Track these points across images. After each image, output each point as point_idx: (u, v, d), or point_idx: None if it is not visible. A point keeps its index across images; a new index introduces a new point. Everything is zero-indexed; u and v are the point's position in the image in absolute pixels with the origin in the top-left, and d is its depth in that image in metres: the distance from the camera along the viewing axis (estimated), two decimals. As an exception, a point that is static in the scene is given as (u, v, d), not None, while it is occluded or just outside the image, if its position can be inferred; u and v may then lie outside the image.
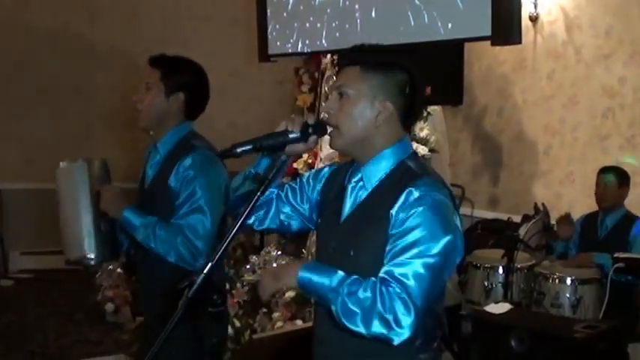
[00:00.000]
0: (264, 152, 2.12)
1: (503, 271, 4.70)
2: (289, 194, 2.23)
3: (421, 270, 1.85)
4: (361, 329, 1.84)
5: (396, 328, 1.81)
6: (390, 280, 1.85)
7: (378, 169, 2.05)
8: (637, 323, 4.37)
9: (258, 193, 1.93)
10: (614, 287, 4.30)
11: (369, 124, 2.03)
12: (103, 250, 2.93)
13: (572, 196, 5.91)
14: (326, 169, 2.27)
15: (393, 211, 1.93)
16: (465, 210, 6.81)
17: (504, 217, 6.14)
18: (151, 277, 2.94)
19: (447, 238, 1.90)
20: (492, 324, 3.79)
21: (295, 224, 2.27)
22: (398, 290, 1.83)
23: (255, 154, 2.08)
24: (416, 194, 1.92)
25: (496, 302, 4.22)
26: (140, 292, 3.17)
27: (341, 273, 1.87)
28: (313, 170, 2.31)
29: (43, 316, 6.53)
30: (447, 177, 6.65)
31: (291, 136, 2.03)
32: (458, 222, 1.99)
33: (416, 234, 1.88)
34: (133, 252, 3.06)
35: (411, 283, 1.84)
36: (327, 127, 2.07)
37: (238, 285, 5.30)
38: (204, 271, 1.82)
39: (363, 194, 2.06)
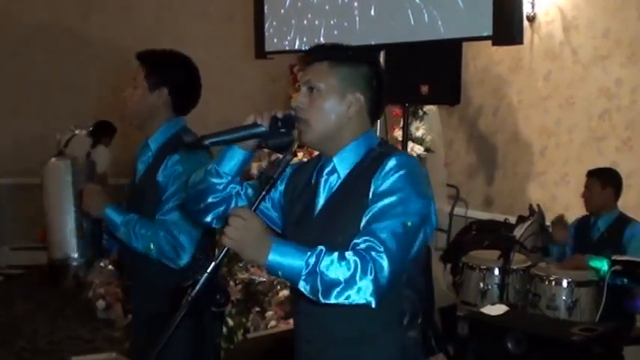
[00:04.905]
0: (231, 145, 2.10)
1: (499, 273, 4.67)
2: (249, 192, 2.19)
3: (399, 229, 1.89)
4: (343, 298, 1.83)
5: (375, 290, 1.82)
6: (369, 238, 1.86)
7: (350, 157, 2.08)
8: (633, 326, 4.36)
9: (264, 192, 1.91)
10: (610, 290, 4.28)
11: (340, 116, 2.06)
12: (85, 250, 2.94)
13: (567, 198, 5.89)
14: (287, 169, 2.22)
15: (373, 181, 1.96)
16: (459, 210, 6.80)
17: (499, 217, 6.13)
18: (139, 277, 2.92)
19: (424, 201, 1.96)
20: (489, 326, 3.77)
21: None
22: (377, 249, 1.84)
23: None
24: (394, 162, 1.96)
25: (492, 304, 4.20)
26: (131, 291, 3.14)
27: (310, 252, 1.83)
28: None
29: (33, 312, 6.51)
30: (443, 177, 6.65)
31: (258, 129, 2.03)
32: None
33: (395, 196, 1.92)
34: (121, 252, 3.03)
35: (390, 241, 1.86)
36: (297, 120, 2.06)
37: (231, 283, 5.27)
38: (208, 271, 1.80)
39: (337, 183, 2.08)
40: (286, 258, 1.82)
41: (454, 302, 5.02)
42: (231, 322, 4.94)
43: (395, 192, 1.92)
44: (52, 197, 2.94)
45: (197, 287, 1.78)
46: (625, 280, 4.40)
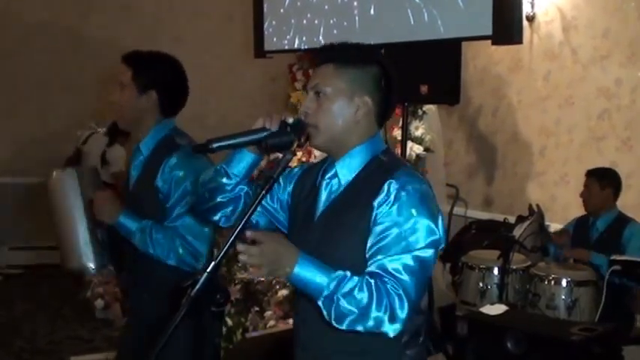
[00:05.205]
0: (239, 148, 2.09)
1: (499, 272, 4.67)
2: None
3: (412, 263, 1.87)
4: (357, 327, 1.84)
5: (391, 324, 1.82)
6: (384, 275, 1.85)
7: (352, 164, 2.05)
8: (633, 326, 4.35)
9: (263, 192, 1.89)
10: (610, 289, 4.27)
11: (348, 120, 2.02)
12: (101, 259, 2.91)
13: (566, 198, 5.89)
14: (296, 170, 2.24)
15: (376, 203, 1.93)
16: (458, 210, 6.79)
17: (498, 217, 6.11)
18: (146, 279, 2.87)
19: (432, 228, 1.92)
20: (488, 325, 3.76)
21: (262, 222, 2.23)
22: (394, 286, 1.84)
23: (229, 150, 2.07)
24: (397, 186, 1.93)
25: (491, 303, 4.19)
26: (133, 292, 3.07)
27: (335, 275, 1.84)
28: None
29: (32, 312, 6.50)
30: (442, 176, 6.63)
31: (267, 134, 2.01)
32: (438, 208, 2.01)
33: (402, 226, 1.89)
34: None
35: (405, 277, 1.85)
36: (307, 126, 2.04)
37: (231, 283, 5.26)
38: (208, 270, 1.79)
39: (338, 189, 2.05)
40: (310, 275, 1.83)
41: (453, 302, 5.03)
42: (230, 322, 4.93)
43: (402, 222, 1.89)
44: (60, 208, 2.88)
45: (197, 287, 1.77)
46: (625, 280, 4.40)
